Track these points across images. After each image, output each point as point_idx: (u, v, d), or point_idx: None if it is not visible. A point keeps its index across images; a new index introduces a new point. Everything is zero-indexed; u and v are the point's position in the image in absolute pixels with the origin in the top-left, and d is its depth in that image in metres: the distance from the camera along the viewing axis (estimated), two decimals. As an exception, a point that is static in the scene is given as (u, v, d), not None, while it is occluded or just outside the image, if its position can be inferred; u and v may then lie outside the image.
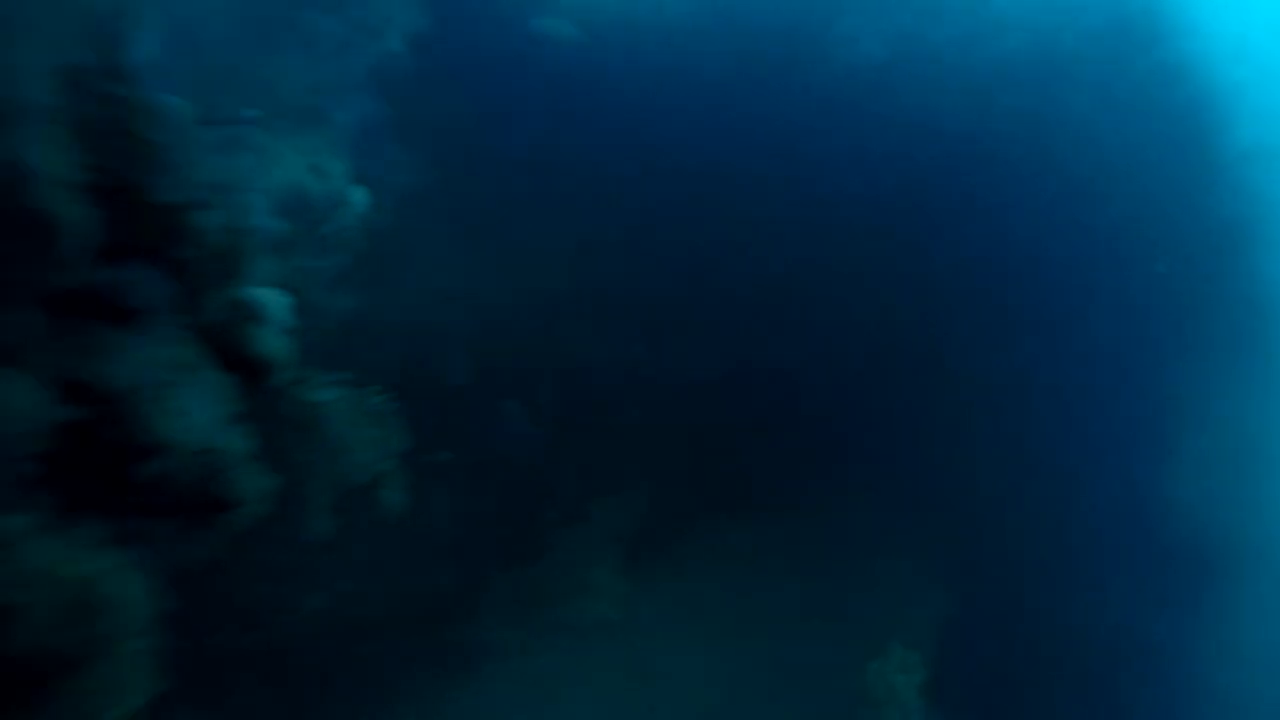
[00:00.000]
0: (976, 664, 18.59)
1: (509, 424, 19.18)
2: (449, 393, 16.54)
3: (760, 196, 19.82)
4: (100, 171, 4.07)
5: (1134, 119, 21.09)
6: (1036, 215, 21.07)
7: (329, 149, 10.60)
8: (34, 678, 3.54)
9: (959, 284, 21.17)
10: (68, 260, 3.90)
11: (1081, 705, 18.18)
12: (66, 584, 3.79)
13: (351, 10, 11.31)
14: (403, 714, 16.95)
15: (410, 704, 17.17)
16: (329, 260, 5.93)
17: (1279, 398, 21.81)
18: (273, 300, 5.60)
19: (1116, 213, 21.40)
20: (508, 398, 19.27)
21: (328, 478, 6.54)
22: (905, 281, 21.11)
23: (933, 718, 17.35)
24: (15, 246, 3.59)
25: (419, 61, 16.52)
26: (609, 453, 20.28)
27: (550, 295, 17.96)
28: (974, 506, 20.66)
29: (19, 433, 3.62)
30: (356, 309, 9.53)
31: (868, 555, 20.18)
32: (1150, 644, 19.18)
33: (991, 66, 21.37)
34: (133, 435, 4.16)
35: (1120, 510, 20.61)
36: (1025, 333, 21.01)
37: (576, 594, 19.35)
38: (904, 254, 20.92)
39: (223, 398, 5.14)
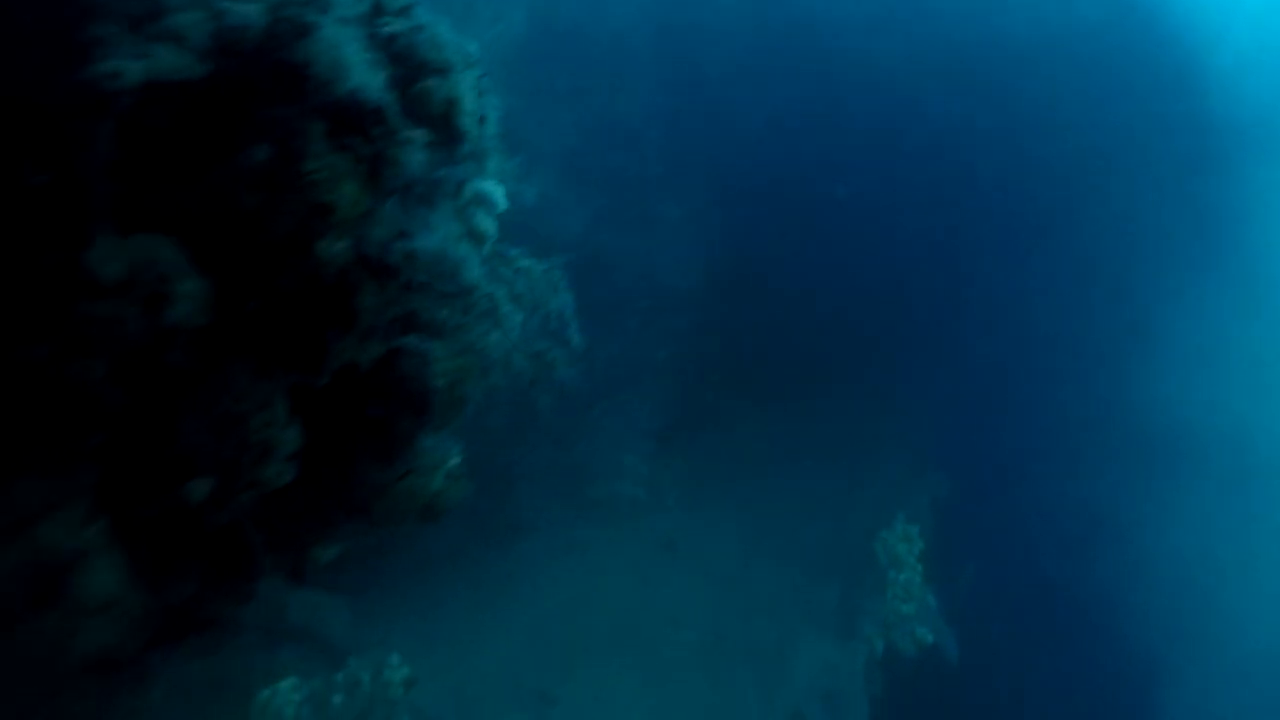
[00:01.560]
0: (968, 536, 21.85)
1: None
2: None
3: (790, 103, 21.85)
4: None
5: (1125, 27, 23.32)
6: (1030, 124, 23.25)
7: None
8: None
9: (949, 189, 23.38)
10: (450, 160, 6.30)
11: (1058, 567, 21.71)
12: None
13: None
14: (443, 580, 19.32)
15: (450, 571, 19.55)
16: (516, 159, 8.23)
17: (1252, 300, 24.83)
18: (495, 190, 8.03)
19: (1106, 121, 23.49)
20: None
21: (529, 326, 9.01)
22: (907, 190, 23.29)
23: (930, 580, 20.53)
24: (437, 154, 6.00)
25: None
26: (636, 348, 22.72)
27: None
28: (968, 400, 23.54)
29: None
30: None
31: (873, 443, 23.10)
32: (1121, 519, 22.62)
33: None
34: (445, 279, 6.64)
35: (1101, 405, 23.56)
36: (1019, 239, 23.47)
37: (608, 475, 22.03)
38: (908, 162, 23.11)
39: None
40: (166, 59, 4.41)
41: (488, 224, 8.24)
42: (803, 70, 22.44)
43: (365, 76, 5.25)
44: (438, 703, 16.77)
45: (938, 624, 20.29)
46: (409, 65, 5.78)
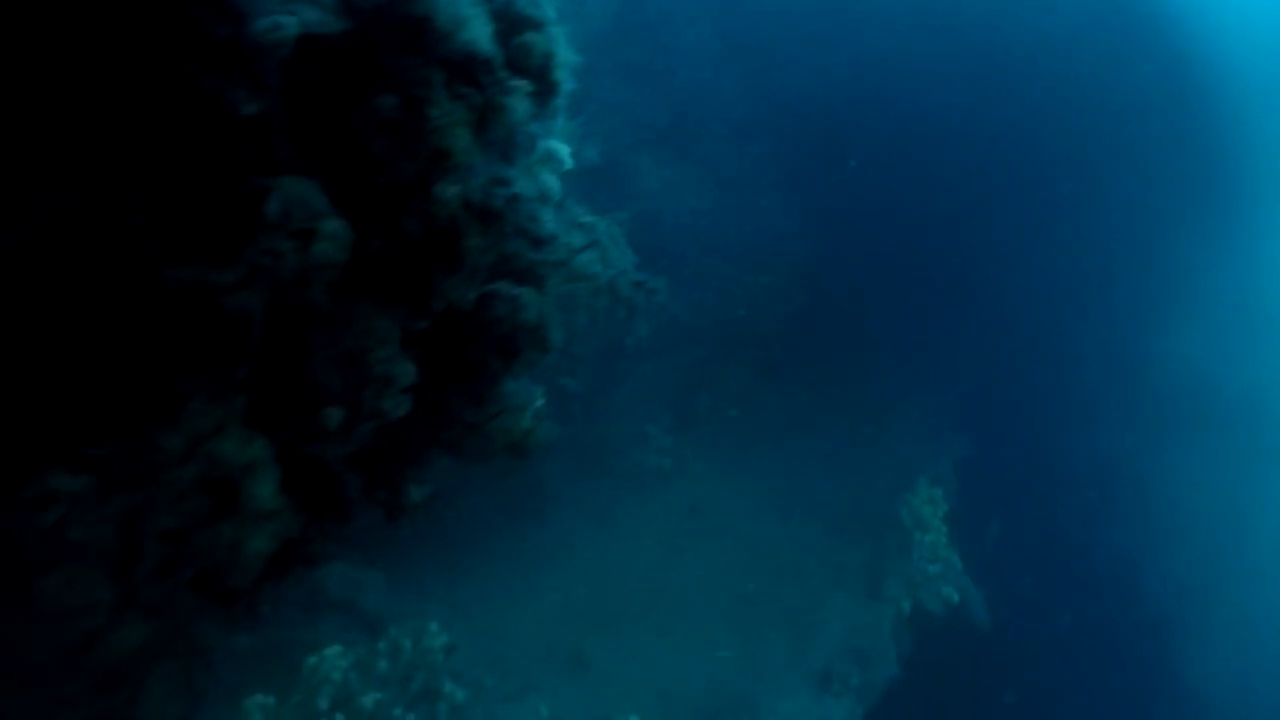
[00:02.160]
0: (991, 497, 22.44)
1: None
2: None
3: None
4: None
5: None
6: (1055, 94, 23.57)
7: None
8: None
9: (972, 160, 23.78)
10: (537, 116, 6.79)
11: (1080, 526, 22.32)
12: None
13: None
14: (477, 552, 19.84)
15: (484, 544, 20.05)
16: (578, 120, 8.66)
17: (1275, 265, 25.31)
18: (561, 149, 8.46)
19: (1130, 89, 23.85)
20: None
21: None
22: (930, 162, 23.67)
23: (954, 540, 21.11)
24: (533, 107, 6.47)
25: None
26: (656, 321, 23.11)
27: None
28: (990, 362, 24.05)
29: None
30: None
31: (896, 410, 23.61)
32: (1141, 479, 23.21)
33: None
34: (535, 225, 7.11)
35: (1122, 366, 24.09)
36: (1037, 203, 23.88)
37: (633, 446, 22.52)
38: (923, 126, 23.47)
39: (547, 212, 8.05)
40: (311, 14, 4.85)
41: (553, 182, 8.68)
42: (862, 41, 22.73)
43: (478, 29, 5.70)
44: (476, 667, 17.25)
45: (963, 583, 20.82)
46: (507, 20, 6.22)
